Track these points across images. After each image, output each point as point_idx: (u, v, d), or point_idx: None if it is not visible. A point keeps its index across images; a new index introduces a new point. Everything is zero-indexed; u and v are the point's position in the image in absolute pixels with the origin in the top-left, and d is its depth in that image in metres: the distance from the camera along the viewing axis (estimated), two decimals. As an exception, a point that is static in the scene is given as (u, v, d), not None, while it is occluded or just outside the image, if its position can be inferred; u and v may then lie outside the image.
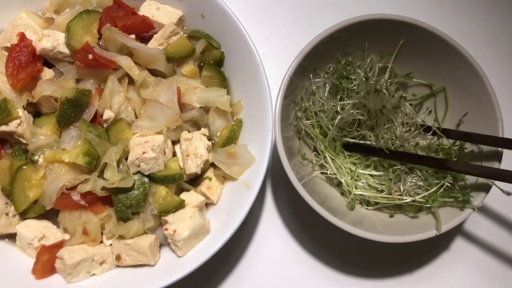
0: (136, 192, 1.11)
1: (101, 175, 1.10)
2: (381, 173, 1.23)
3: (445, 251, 1.39)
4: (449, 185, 1.21)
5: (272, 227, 1.37)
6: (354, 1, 1.58)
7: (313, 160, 1.30)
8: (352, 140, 1.26)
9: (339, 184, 1.29)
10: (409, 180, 1.21)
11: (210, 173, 1.22)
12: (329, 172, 1.25)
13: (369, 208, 1.26)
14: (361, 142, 1.26)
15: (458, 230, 1.41)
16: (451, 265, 1.38)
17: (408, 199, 1.20)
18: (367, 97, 1.25)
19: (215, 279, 1.30)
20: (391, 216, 1.25)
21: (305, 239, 1.36)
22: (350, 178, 1.24)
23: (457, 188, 1.23)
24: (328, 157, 1.25)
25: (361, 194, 1.23)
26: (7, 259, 1.11)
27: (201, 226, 1.12)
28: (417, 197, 1.20)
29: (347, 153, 1.29)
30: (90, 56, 1.12)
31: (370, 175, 1.25)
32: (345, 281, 1.34)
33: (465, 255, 1.39)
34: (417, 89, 1.37)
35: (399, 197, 1.20)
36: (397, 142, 1.25)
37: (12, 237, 1.15)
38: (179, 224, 1.11)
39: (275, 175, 1.40)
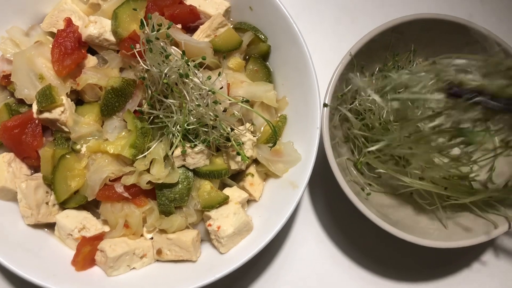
0: (180, 186, 1.09)
1: (145, 167, 1.08)
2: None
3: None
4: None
5: (307, 226, 1.35)
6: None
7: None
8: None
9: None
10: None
11: (252, 169, 1.19)
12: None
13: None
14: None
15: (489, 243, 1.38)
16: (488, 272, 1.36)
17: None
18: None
19: (250, 275, 1.29)
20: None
21: (341, 239, 1.34)
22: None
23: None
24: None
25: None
26: (46, 249, 1.09)
27: (246, 223, 1.10)
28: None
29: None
30: (138, 46, 1.08)
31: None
32: (380, 283, 1.33)
33: (497, 267, 1.37)
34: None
35: None
36: None
37: (50, 226, 1.13)
38: (223, 220, 1.09)
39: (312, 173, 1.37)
